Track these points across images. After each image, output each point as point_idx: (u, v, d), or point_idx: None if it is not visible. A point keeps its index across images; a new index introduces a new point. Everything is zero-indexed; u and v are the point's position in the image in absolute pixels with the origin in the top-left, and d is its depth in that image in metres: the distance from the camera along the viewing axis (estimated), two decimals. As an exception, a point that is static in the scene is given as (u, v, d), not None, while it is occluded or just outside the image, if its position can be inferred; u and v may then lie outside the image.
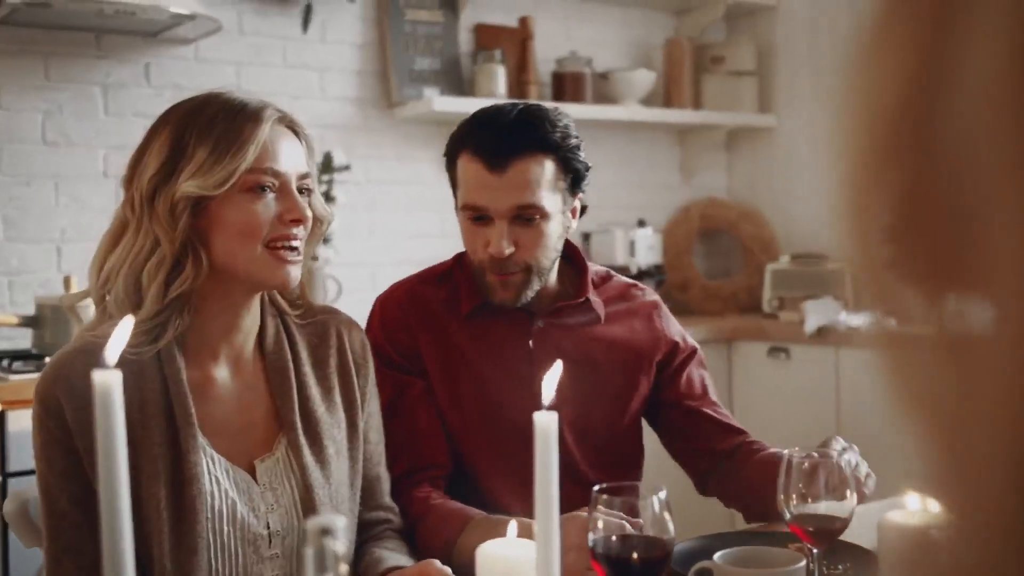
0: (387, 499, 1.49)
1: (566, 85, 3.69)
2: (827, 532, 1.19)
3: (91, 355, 1.23)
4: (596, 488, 1.06)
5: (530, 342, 1.64)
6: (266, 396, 1.36)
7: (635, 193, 4.02)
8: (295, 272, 1.30)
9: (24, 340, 2.71)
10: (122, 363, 1.23)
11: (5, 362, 2.49)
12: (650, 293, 1.79)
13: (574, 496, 1.62)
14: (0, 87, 2.86)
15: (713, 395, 1.76)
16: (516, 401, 1.60)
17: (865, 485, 1.42)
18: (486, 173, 1.53)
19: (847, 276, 3.53)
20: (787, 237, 4.02)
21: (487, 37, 3.66)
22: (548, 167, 1.55)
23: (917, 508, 1.15)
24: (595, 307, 1.69)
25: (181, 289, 1.25)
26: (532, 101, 1.63)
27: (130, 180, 1.28)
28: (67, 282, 2.63)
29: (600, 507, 1.04)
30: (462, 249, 1.68)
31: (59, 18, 2.81)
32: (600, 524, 1.03)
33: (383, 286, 3.42)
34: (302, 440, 1.34)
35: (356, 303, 3.17)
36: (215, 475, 1.27)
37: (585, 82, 3.71)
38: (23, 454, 2.28)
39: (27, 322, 2.55)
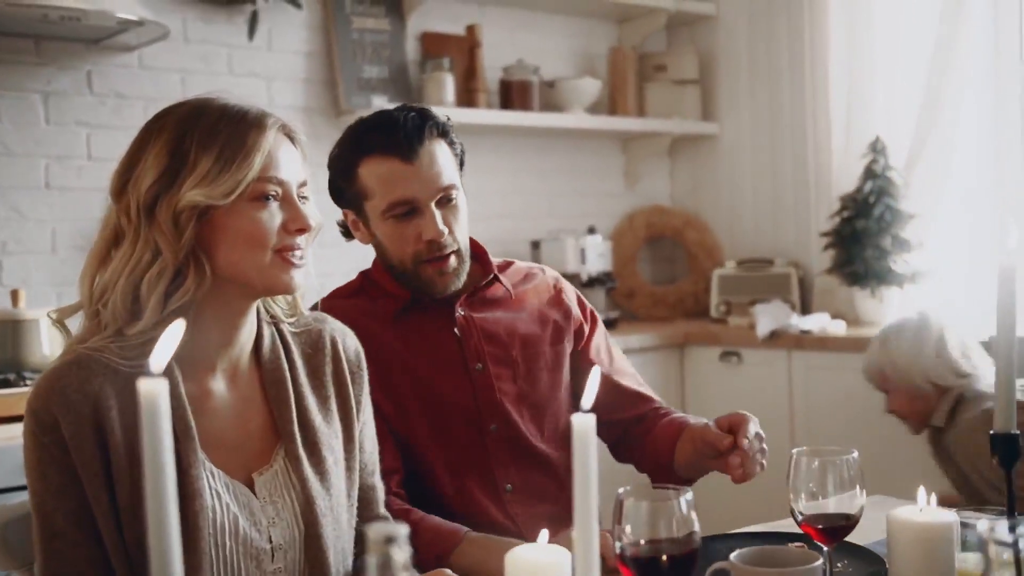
0: (382, 509, 1.46)
1: (513, 93, 3.69)
2: (838, 530, 1.20)
3: (85, 368, 1.19)
4: (621, 491, 1.05)
5: (455, 330, 1.69)
6: (263, 407, 1.32)
7: (582, 201, 4.04)
8: (300, 277, 1.28)
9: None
10: (118, 377, 1.20)
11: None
12: (550, 271, 1.86)
13: (535, 479, 1.68)
14: (-63, 95, 2.75)
15: (620, 361, 1.82)
16: (452, 386, 1.66)
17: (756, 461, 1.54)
18: (403, 166, 1.59)
19: (794, 280, 3.60)
20: (731, 243, 4.08)
21: (434, 45, 3.65)
22: (446, 149, 1.64)
23: (925, 504, 1.17)
24: (504, 283, 1.76)
25: (183, 300, 1.21)
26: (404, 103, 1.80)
27: (121, 189, 1.23)
28: (15, 296, 2.54)
29: (625, 508, 1.03)
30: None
31: (-1, 23, 2.72)
32: (628, 530, 1.02)
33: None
34: (301, 451, 1.31)
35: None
36: (216, 489, 1.23)
37: (532, 90, 3.72)
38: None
39: (-29, 339, 2.46)
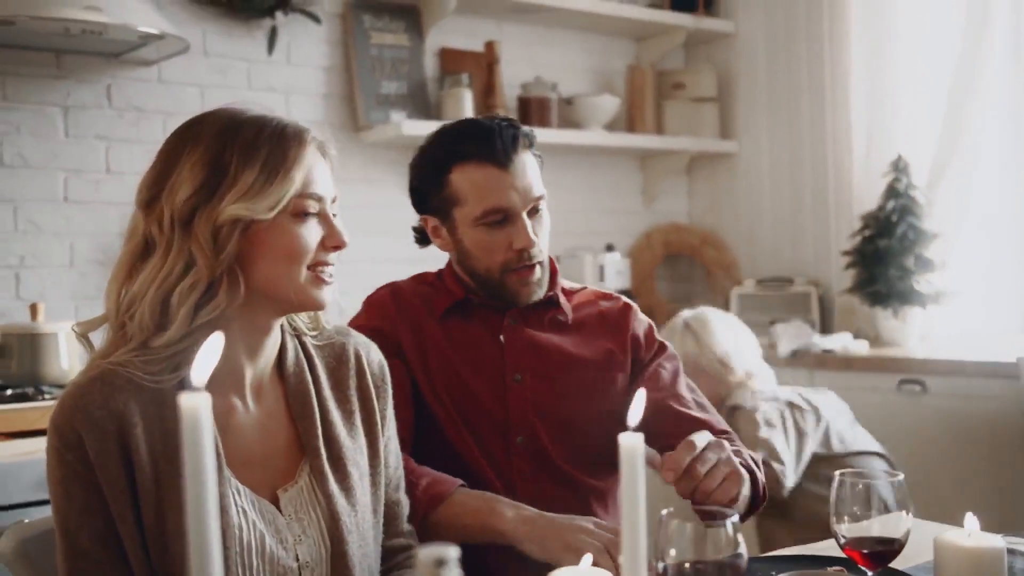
0: (406, 525, 1.44)
1: (532, 110, 3.68)
2: (883, 554, 1.17)
3: (109, 384, 1.17)
4: (664, 512, 1.02)
5: (501, 337, 1.69)
6: (287, 422, 1.30)
7: (600, 218, 4.02)
8: (330, 295, 1.28)
9: (-17, 371, 2.58)
10: (143, 393, 1.18)
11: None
12: (624, 299, 1.82)
13: (554, 493, 1.64)
14: (-43, 107, 2.75)
15: (683, 388, 1.73)
16: (487, 392, 1.66)
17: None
18: (500, 173, 1.59)
19: (814, 299, 3.57)
20: (749, 261, 4.05)
21: (452, 61, 3.63)
22: (534, 160, 1.66)
23: (973, 528, 1.13)
24: (563, 307, 1.73)
25: (213, 314, 1.18)
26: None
27: (153, 199, 1.20)
28: (34, 310, 2.52)
29: (670, 530, 1.00)
30: (377, 290, 1.77)
31: (21, 37, 2.70)
32: (671, 552, 0.99)
33: (350, 310, 3.37)
34: (326, 467, 1.28)
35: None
36: (242, 507, 1.21)
37: (551, 107, 3.70)
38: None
39: (-9, 352, 2.44)
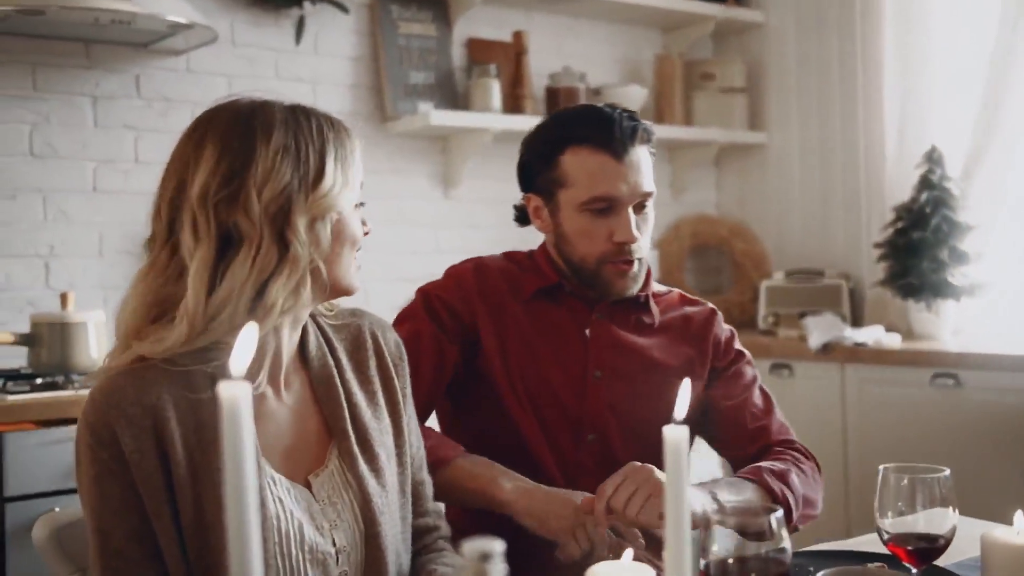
0: (431, 503, 1.43)
1: (560, 100, 3.65)
2: (929, 551, 1.14)
3: (141, 378, 1.15)
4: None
5: (587, 331, 1.66)
6: (313, 407, 1.29)
7: (628, 209, 3.99)
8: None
9: (14, 359, 2.59)
10: (173, 384, 1.16)
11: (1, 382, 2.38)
12: (709, 306, 1.80)
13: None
14: (-13, 97, 2.75)
15: (756, 396, 1.71)
16: (565, 385, 1.63)
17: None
18: (614, 163, 1.57)
19: (844, 292, 3.52)
20: (779, 253, 4.01)
21: (480, 51, 3.61)
22: (649, 156, 1.64)
23: (1022, 526, 1.10)
24: (652, 309, 1.71)
25: (295, 303, 1.18)
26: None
27: (235, 193, 1.15)
28: (64, 299, 2.53)
29: (715, 524, 0.98)
30: (462, 261, 1.75)
31: (51, 27, 2.71)
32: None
33: (376, 303, 3.35)
34: (355, 449, 1.27)
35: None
36: (278, 496, 1.19)
37: (578, 97, 3.67)
38: (23, 477, 2.17)
39: (22, 340, 2.44)
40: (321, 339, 1.32)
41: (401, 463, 1.34)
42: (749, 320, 3.89)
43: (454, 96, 3.53)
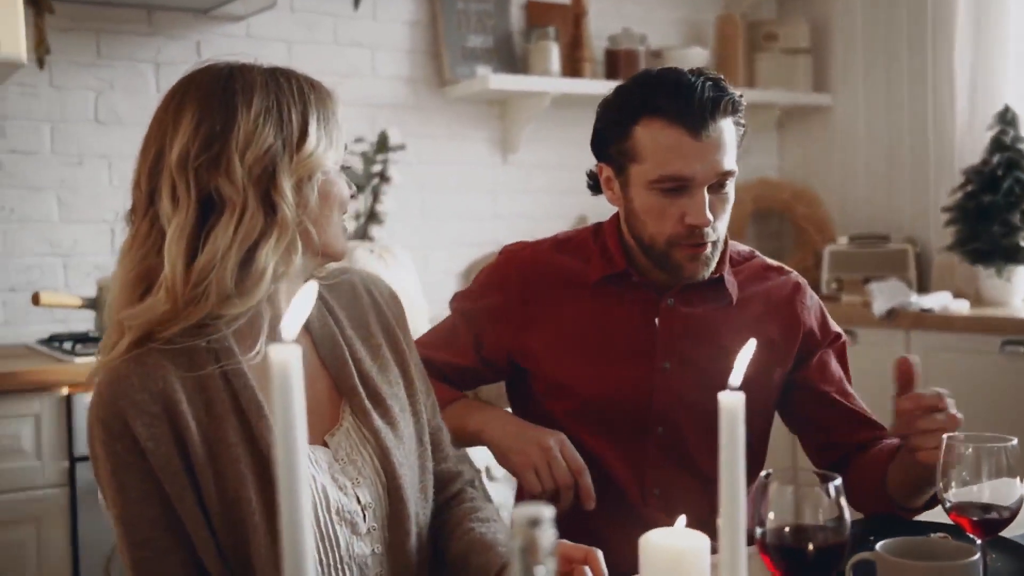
0: (451, 448, 1.42)
1: (619, 63, 3.60)
2: (995, 523, 1.11)
3: (142, 363, 1.13)
4: (763, 474, 0.98)
5: (656, 320, 1.56)
6: (320, 369, 1.28)
7: (688, 173, 3.93)
8: None
9: (81, 323, 2.65)
10: (176, 363, 1.13)
11: (67, 344, 2.43)
12: (795, 276, 1.67)
13: (689, 487, 1.56)
14: (53, 64, 2.79)
15: (849, 386, 1.63)
16: (631, 379, 1.55)
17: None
18: (689, 139, 1.42)
19: (910, 257, 3.45)
20: (843, 218, 3.93)
21: (539, 14, 3.58)
22: (734, 129, 1.49)
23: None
24: (728, 287, 1.58)
25: (287, 270, 1.16)
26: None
27: (217, 157, 1.12)
28: (127, 263, 2.57)
29: (770, 492, 0.97)
30: (529, 233, 1.67)
31: (112, -7, 2.74)
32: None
33: (434, 267, 3.37)
34: (367, 404, 1.26)
35: (408, 284, 3.10)
36: None
37: (638, 60, 3.62)
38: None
39: (89, 304, 2.49)
40: (318, 301, 1.31)
41: (415, 412, 1.33)
42: (812, 285, 3.81)
43: (512, 60, 3.50)
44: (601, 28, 3.66)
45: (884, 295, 3.19)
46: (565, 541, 1.16)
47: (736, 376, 0.83)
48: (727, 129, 1.46)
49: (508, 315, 1.60)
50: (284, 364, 0.68)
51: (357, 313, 1.34)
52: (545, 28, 3.46)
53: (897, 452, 1.46)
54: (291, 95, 1.16)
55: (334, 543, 1.20)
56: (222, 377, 1.15)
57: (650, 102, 1.45)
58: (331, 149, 1.19)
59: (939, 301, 3.13)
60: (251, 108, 1.14)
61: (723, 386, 1.56)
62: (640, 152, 1.47)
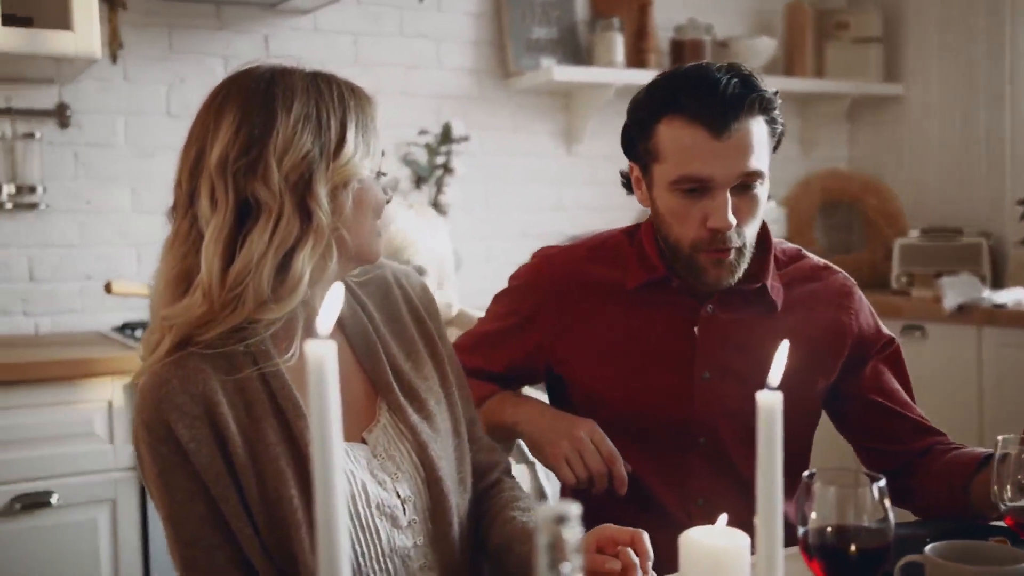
0: (485, 438, 1.44)
1: (685, 53, 3.57)
2: (1051, 527, 1.09)
3: (182, 367, 1.14)
4: (806, 474, 0.97)
5: (695, 328, 1.51)
6: (355, 366, 1.29)
7: (755, 165, 3.89)
8: None
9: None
10: (216, 367, 1.15)
11: (139, 332, 2.50)
12: (843, 277, 1.60)
13: (734, 497, 1.52)
14: (127, 58, 2.86)
15: (906, 392, 1.58)
16: (670, 390, 1.51)
17: None
18: (709, 139, 1.38)
19: (984, 252, 3.37)
20: (914, 210, 3.85)
21: (604, 5, 3.56)
22: (763, 129, 1.42)
23: None
24: (772, 294, 1.52)
25: (322, 276, 1.17)
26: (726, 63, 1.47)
27: (254, 162, 1.13)
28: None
29: (813, 492, 0.96)
30: (592, 225, 1.61)
31: (183, -11, 2.80)
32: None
33: (498, 259, 3.38)
34: (402, 400, 1.28)
35: (472, 277, 3.12)
36: None
37: (704, 50, 3.58)
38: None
39: (158, 293, 2.55)
40: (351, 298, 1.32)
41: (450, 404, 1.34)
42: (881, 280, 3.75)
43: (577, 51, 3.50)
44: (667, 18, 3.63)
45: (955, 290, 3.12)
46: (611, 525, 1.17)
47: (775, 375, 0.82)
48: (755, 129, 1.40)
49: (542, 324, 1.58)
50: (320, 358, 0.70)
51: (390, 307, 1.35)
52: (610, 19, 3.45)
53: (985, 462, 1.39)
54: (331, 101, 1.17)
55: (375, 536, 1.21)
56: (260, 379, 1.17)
57: (673, 100, 1.41)
58: (368, 157, 1.19)
59: (1013, 296, 3.05)
60: (290, 113, 1.15)
61: None
62: (662, 151, 1.43)
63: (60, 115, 2.78)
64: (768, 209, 3.55)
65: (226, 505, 1.13)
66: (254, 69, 1.21)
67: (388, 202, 1.26)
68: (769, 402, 0.82)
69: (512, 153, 3.45)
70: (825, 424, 1.64)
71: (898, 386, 1.59)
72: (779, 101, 1.44)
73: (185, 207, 1.17)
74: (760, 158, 1.41)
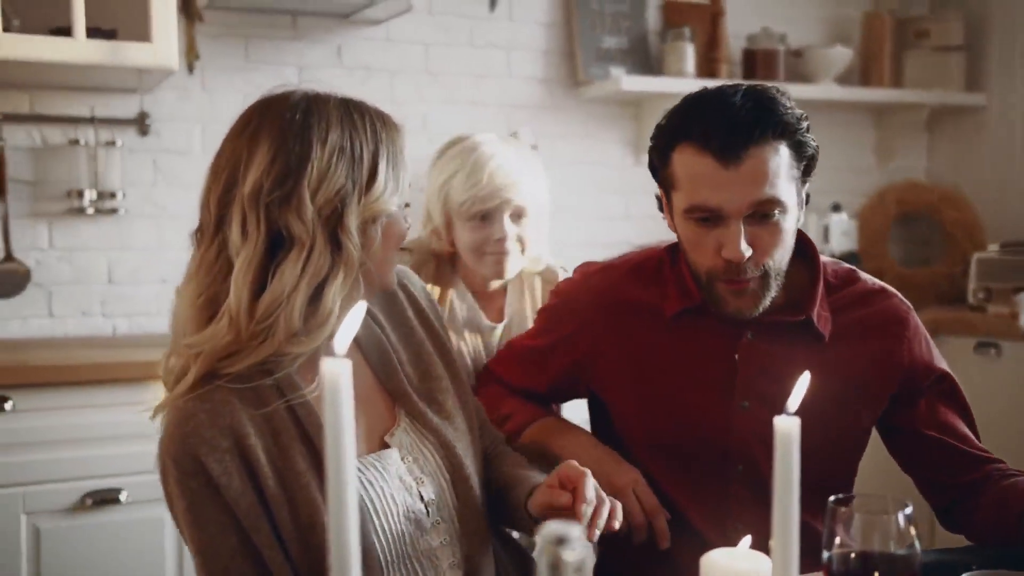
0: (489, 424, 1.50)
1: (757, 63, 3.54)
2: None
3: (209, 400, 1.15)
4: (832, 499, 0.97)
5: (735, 355, 1.48)
6: (371, 378, 1.31)
7: (827, 176, 3.81)
8: None
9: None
10: (242, 399, 1.15)
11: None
12: (897, 303, 1.53)
13: (770, 524, 1.51)
14: (204, 69, 2.95)
15: (961, 423, 1.53)
16: (708, 418, 1.48)
17: None
18: (718, 168, 1.34)
19: (1065, 267, 3.27)
20: (995, 224, 3.75)
21: (676, 14, 3.55)
22: (784, 154, 1.36)
23: None
24: (819, 325, 1.47)
25: (349, 306, 1.19)
26: (749, 82, 1.43)
27: (289, 194, 1.13)
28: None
29: (837, 523, 0.95)
30: (659, 235, 1.59)
31: (258, 1, 2.87)
32: (837, 541, 0.94)
33: (568, 268, 3.38)
34: (420, 404, 1.30)
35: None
36: (366, 479, 1.22)
37: (777, 60, 3.55)
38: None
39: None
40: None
41: (463, 402, 1.37)
42: (958, 294, 3.66)
43: (647, 60, 3.49)
44: (740, 27, 3.60)
45: (1032, 307, 3.03)
46: (572, 462, 1.25)
47: (793, 402, 0.82)
48: (769, 155, 1.34)
49: (581, 344, 1.57)
50: (335, 376, 0.72)
51: (396, 313, 1.37)
52: (680, 28, 3.43)
53: None
54: (364, 133, 1.17)
55: (399, 540, 1.24)
56: (287, 408, 1.18)
57: (687, 125, 1.37)
58: (396, 193, 1.20)
59: (1093, 315, 2.95)
60: (325, 145, 1.14)
61: (803, 426, 1.47)
62: (676, 179, 1.40)
63: (140, 123, 2.88)
64: (838, 222, 3.50)
65: (257, 535, 1.14)
66: (287, 96, 1.20)
67: (408, 228, 1.27)
68: (786, 427, 0.82)
69: (580, 162, 3.46)
70: (871, 451, 1.60)
71: (956, 419, 1.53)
72: (805, 123, 1.38)
73: (212, 233, 1.17)
74: (778, 186, 1.35)
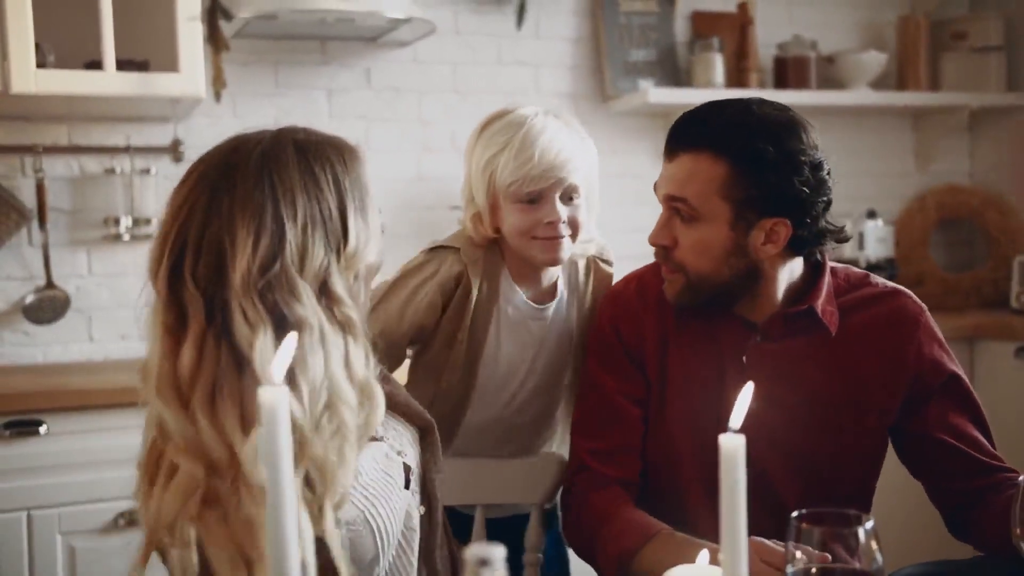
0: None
1: (789, 71, 3.52)
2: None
3: None
4: (795, 514, 0.97)
5: (744, 357, 1.50)
6: None
7: (863, 182, 3.78)
8: None
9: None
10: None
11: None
12: (911, 303, 1.54)
13: (778, 529, 1.50)
14: (235, 95, 3.02)
15: (973, 427, 1.51)
16: (719, 415, 1.49)
17: None
18: (664, 160, 1.53)
19: (1110, 269, 3.19)
20: (1039, 226, 3.67)
21: (704, 25, 3.54)
22: (718, 170, 1.42)
23: None
24: (824, 318, 1.49)
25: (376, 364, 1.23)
26: (757, 96, 1.57)
27: (278, 280, 1.08)
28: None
29: (799, 539, 0.95)
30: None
31: (286, 28, 2.94)
32: (797, 554, 0.94)
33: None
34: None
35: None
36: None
37: (809, 67, 3.52)
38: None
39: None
40: None
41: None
42: (1001, 299, 3.59)
43: (676, 72, 3.49)
44: (770, 35, 3.58)
45: (1073, 311, 2.96)
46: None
47: (736, 418, 0.83)
48: (701, 163, 1.44)
49: (629, 362, 1.59)
50: (272, 404, 0.74)
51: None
52: (709, 39, 3.43)
53: None
54: (328, 188, 1.13)
55: (407, 551, 1.29)
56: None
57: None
58: (371, 240, 1.17)
59: None
60: (297, 219, 1.09)
61: (813, 429, 1.47)
62: None
63: (174, 151, 2.95)
64: (873, 228, 3.46)
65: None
66: (246, 161, 1.12)
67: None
68: (731, 446, 0.82)
69: (610, 175, 3.45)
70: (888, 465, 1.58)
71: (967, 423, 1.52)
72: (772, 155, 1.41)
73: (203, 320, 1.06)
74: (692, 189, 1.44)
